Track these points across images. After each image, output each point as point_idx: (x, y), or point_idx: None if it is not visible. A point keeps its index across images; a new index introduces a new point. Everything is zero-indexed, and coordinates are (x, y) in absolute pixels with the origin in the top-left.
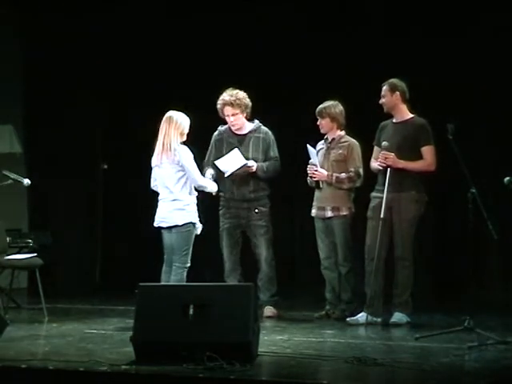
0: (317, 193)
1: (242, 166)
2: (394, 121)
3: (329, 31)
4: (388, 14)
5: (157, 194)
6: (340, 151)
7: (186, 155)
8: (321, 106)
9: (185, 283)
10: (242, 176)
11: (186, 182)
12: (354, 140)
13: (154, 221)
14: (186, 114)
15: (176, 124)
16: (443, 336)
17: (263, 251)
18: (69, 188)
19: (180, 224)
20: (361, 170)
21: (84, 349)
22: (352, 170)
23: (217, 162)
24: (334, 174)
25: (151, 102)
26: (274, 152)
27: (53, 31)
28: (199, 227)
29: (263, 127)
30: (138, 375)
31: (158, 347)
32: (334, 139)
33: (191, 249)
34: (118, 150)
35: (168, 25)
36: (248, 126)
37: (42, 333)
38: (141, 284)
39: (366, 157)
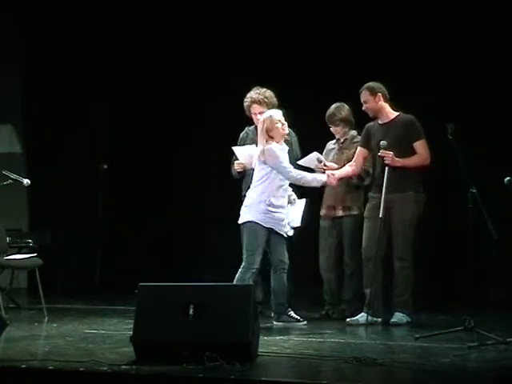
0: (326, 193)
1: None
2: (380, 122)
3: (330, 30)
4: (388, 13)
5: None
6: (353, 150)
7: (272, 155)
8: (330, 112)
9: (185, 283)
10: None
11: (263, 182)
12: None
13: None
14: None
15: (264, 125)
16: (443, 336)
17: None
18: (69, 188)
19: (241, 222)
20: (370, 169)
21: (84, 349)
22: (362, 167)
23: (234, 148)
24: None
25: (151, 102)
26: (296, 152)
27: (53, 31)
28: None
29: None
30: (138, 375)
31: (158, 347)
32: (346, 139)
33: (259, 251)
34: (118, 150)
35: (168, 23)
36: None
37: (42, 333)
38: (141, 284)
39: None
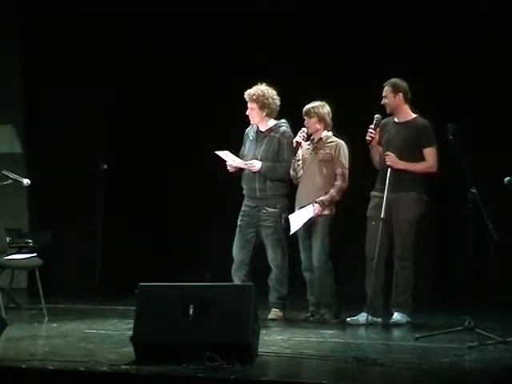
0: (299, 193)
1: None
2: (396, 120)
3: (327, 29)
4: (387, 11)
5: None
6: (327, 151)
7: None
8: (308, 105)
9: (185, 283)
10: (250, 174)
11: None
12: (341, 140)
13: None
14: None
15: None
16: (443, 336)
17: (270, 251)
18: (69, 188)
19: None
20: (346, 171)
21: (84, 349)
22: (338, 171)
23: (217, 153)
24: (320, 199)
25: (152, 102)
26: (286, 155)
27: (53, 31)
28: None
29: (283, 127)
30: (138, 375)
31: (158, 347)
32: (320, 139)
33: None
34: (118, 149)
35: (170, 23)
36: (269, 124)
37: (42, 333)
38: (141, 284)
39: (355, 156)
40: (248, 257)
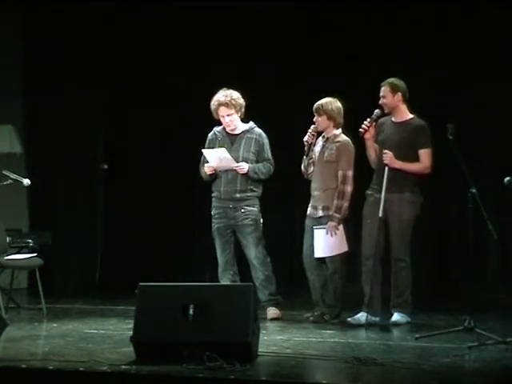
0: (311, 192)
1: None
2: (394, 120)
3: (328, 30)
4: (387, 11)
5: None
6: (333, 151)
7: None
8: (318, 102)
9: (185, 283)
10: (232, 175)
11: None
12: (347, 139)
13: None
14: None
15: None
16: (443, 336)
17: (252, 250)
18: (69, 188)
19: None
20: (348, 173)
21: (84, 349)
22: (339, 173)
23: (204, 151)
24: (331, 215)
25: (152, 101)
26: (267, 154)
27: (53, 31)
28: None
29: (257, 129)
30: (138, 375)
31: (157, 347)
32: (328, 138)
33: None
34: (117, 150)
35: (168, 21)
36: (241, 127)
37: (42, 333)
38: (141, 284)
39: (363, 156)
40: (231, 257)
